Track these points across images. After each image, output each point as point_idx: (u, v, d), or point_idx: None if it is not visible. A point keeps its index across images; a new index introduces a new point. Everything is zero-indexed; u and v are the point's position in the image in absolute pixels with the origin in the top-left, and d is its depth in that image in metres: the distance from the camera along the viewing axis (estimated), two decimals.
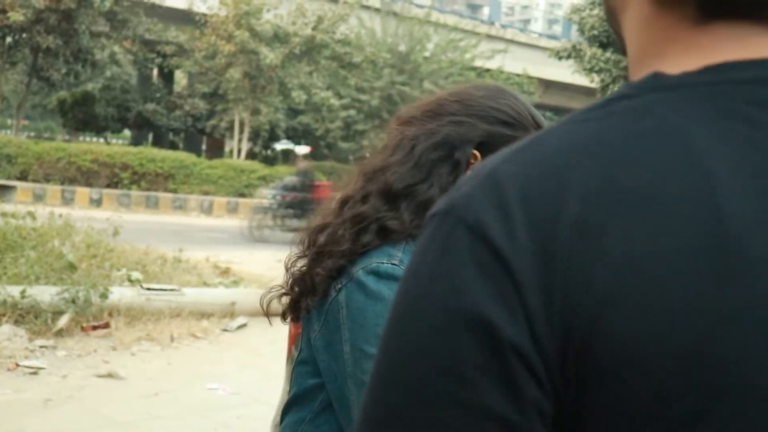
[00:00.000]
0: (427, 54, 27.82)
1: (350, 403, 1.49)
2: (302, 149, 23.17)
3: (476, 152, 1.58)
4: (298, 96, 23.38)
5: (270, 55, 21.82)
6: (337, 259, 1.53)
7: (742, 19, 0.59)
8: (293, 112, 27.98)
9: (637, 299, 0.52)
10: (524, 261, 0.54)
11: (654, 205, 0.53)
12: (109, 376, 5.69)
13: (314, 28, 23.03)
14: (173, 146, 29.46)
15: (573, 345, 0.53)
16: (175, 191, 21.11)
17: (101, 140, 31.07)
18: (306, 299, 1.58)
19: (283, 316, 1.73)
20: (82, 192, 19.84)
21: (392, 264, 1.48)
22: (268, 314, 1.72)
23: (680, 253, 0.52)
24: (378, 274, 1.48)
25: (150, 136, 32.27)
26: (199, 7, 23.17)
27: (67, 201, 19.11)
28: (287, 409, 1.68)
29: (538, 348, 0.54)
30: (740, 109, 0.56)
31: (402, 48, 27.71)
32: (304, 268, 1.60)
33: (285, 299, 1.68)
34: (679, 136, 0.55)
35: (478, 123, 1.59)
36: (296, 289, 1.62)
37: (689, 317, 0.52)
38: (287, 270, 1.65)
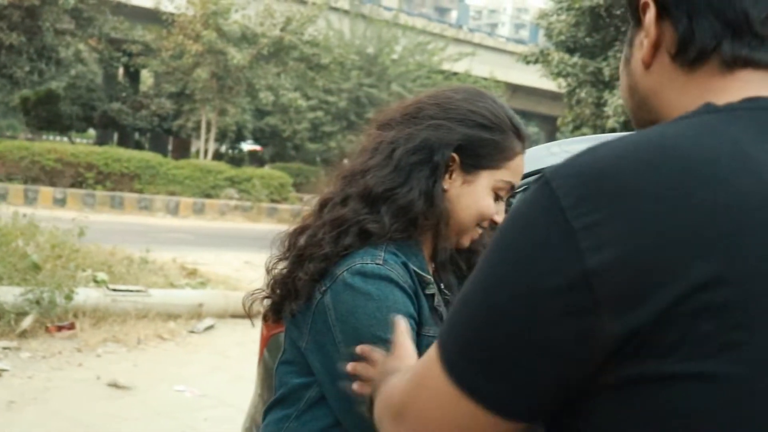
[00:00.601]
0: (395, 56, 27.87)
1: (352, 401, 1.50)
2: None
3: (455, 155, 1.60)
4: (266, 97, 23.28)
5: (237, 56, 21.70)
6: (318, 263, 1.55)
7: (757, 69, 0.84)
8: (260, 113, 27.88)
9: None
10: (605, 219, 0.74)
11: (726, 178, 0.74)
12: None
13: (282, 29, 22.94)
14: (139, 146, 29.19)
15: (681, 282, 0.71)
16: (140, 191, 20.92)
17: (65, 139, 30.69)
18: (289, 304, 1.60)
19: (265, 319, 1.74)
20: (46, 191, 19.58)
21: (377, 264, 1.51)
22: (250, 316, 1.73)
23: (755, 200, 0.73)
24: (364, 274, 1.50)
25: (115, 136, 31.95)
26: (166, 7, 22.96)
27: (30, 200, 18.84)
28: (270, 407, 1.69)
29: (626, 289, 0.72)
30: None
31: (370, 50, 27.74)
32: (285, 271, 1.62)
33: (266, 302, 1.69)
34: (729, 136, 0.77)
35: (457, 126, 1.61)
36: (278, 291, 1.63)
37: None
38: (268, 272, 1.65)
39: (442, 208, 1.58)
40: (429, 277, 1.58)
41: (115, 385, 5.58)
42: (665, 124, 0.83)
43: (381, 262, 1.51)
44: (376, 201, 1.58)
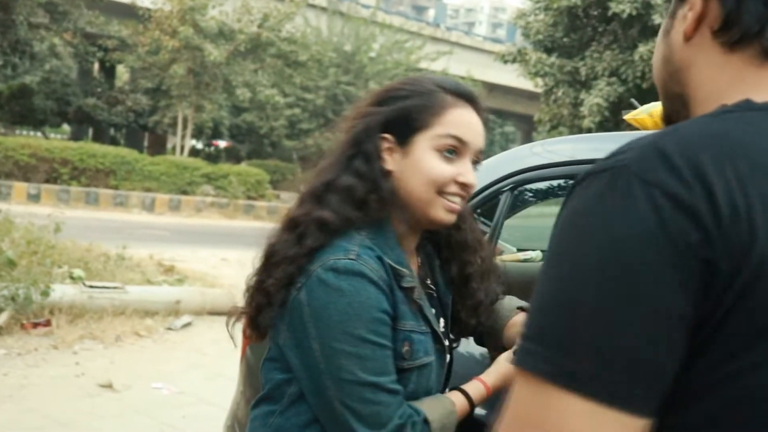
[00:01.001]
0: (372, 54, 27.88)
1: (329, 397, 1.53)
2: None
3: (386, 135, 1.64)
4: (243, 93, 23.20)
5: (214, 52, 21.60)
6: (287, 266, 1.59)
7: None
8: (237, 109, 27.78)
9: None
10: (694, 199, 0.75)
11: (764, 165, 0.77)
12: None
13: (260, 26, 22.88)
14: (114, 142, 29.00)
15: (739, 263, 0.74)
16: (116, 188, 20.77)
17: (39, 134, 30.39)
18: (267, 312, 1.64)
19: (245, 334, 1.79)
20: (20, 187, 19.37)
21: (350, 259, 1.53)
22: (233, 338, 1.80)
23: None
24: (337, 270, 1.52)
25: (90, 132, 31.68)
26: (143, 2, 22.82)
27: (3, 196, 18.64)
28: (257, 403, 1.72)
29: (711, 255, 0.74)
30: None
31: (348, 48, 27.72)
32: (256, 280, 1.67)
33: (244, 318, 1.75)
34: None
35: (378, 110, 1.65)
36: (254, 303, 1.67)
37: None
38: (247, 289, 1.71)
39: (387, 188, 1.60)
40: (404, 270, 1.59)
41: (92, 383, 5.55)
42: (709, 118, 0.84)
43: (354, 257, 1.53)
44: (321, 195, 1.62)
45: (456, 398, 1.65)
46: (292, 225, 1.61)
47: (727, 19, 0.88)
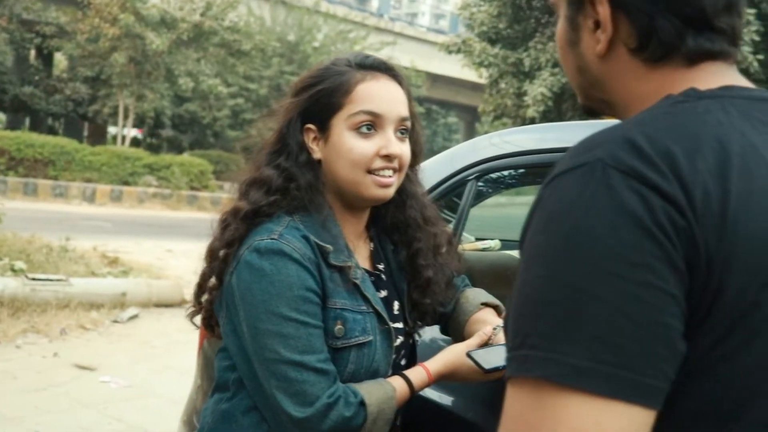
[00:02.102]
0: (316, 44, 27.76)
1: (259, 379, 1.56)
2: None
3: (309, 126, 1.65)
4: (185, 83, 22.91)
5: (156, 41, 21.28)
6: (216, 260, 1.64)
7: (716, 61, 0.91)
8: (180, 99, 27.40)
9: (755, 216, 0.78)
10: (670, 187, 0.76)
11: (733, 157, 0.80)
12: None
13: (202, 15, 22.57)
14: (52, 131, 28.35)
15: (713, 245, 0.76)
16: (55, 178, 20.36)
17: None
18: (214, 310, 1.70)
19: (202, 327, 1.82)
20: None
21: (272, 239, 1.55)
22: (197, 326, 1.85)
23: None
24: (259, 251, 1.54)
25: (27, 121, 30.95)
26: None
27: None
28: (212, 394, 1.74)
29: (687, 239, 0.76)
30: (749, 109, 0.87)
31: (291, 37, 27.55)
32: (201, 277, 1.72)
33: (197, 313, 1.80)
34: (724, 118, 0.84)
35: (295, 101, 1.67)
36: (201, 300, 1.74)
37: None
38: (195, 290, 1.77)
39: (307, 178, 1.62)
40: (328, 246, 1.58)
41: (37, 377, 5.44)
42: (666, 108, 0.86)
43: (276, 237, 1.54)
44: (245, 189, 1.66)
45: (397, 383, 1.64)
46: (221, 221, 1.66)
47: (642, 39, 0.90)
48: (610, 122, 1.06)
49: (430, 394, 1.89)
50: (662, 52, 0.90)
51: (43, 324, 6.62)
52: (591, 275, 0.75)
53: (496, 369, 1.58)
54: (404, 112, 1.64)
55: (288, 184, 1.61)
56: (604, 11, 0.91)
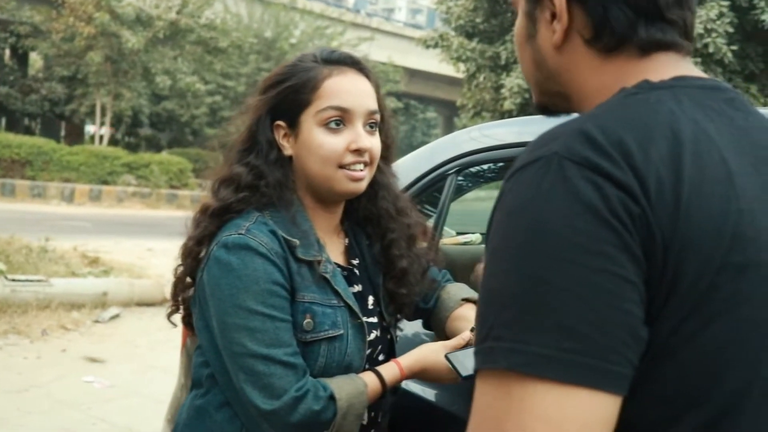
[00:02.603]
0: (293, 41, 27.67)
1: (229, 373, 1.57)
2: None
3: (279, 123, 1.67)
4: (163, 81, 22.80)
5: (132, 39, 21.16)
6: (189, 258, 1.66)
7: (669, 51, 0.94)
8: (157, 97, 27.25)
9: (703, 203, 0.80)
10: (624, 176, 0.78)
11: (685, 145, 0.82)
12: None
13: (178, 12, 22.46)
14: (29, 132, 28.11)
15: (665, 228, 0.78)
16: (33, 178, 20.22)
17: None
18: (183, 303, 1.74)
19: (184, 326, 1.84)
20: None
21: (239, 234, 1.56)
22: (174, 324, 1.84)
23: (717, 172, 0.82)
24: (227, 246, 1.56)
25: (3, 121, 30.67)
26: None
27: None
28: (190, 390, 1.75)
29: (642, 225, 0.78)
30: (702, 98, 0.89)
31: (268, 34, 27.46)
32: (178, 275, 1.74)
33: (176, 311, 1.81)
34: (676, 107, 0.86)
35: (264, 98, 1.67)
36: (177, 297, 1.75)
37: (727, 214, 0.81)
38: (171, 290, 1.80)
39: (276, 176, 1.63)
40: (295, 241, 1.59)
41: (19, 378, 5.42)
42: (620, 100, 0.89)
43: (243, 232, 1.56)
44: (217, 188, 1.67)
45: (369, 379, 1.64)
46: (193, 219, 1.68)
47: (597, 29, 0.93)
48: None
49: (419, 391, 1.91)
50: (615, 42, 0.93)
51: (24, 325, 6.59)
52: (551, 265, 0.76)
53: (472, 377, 1.60)
54: (372, 105, 1.66)
55: (257, 181, 1.62)
56: (560, 2, 0.94)
